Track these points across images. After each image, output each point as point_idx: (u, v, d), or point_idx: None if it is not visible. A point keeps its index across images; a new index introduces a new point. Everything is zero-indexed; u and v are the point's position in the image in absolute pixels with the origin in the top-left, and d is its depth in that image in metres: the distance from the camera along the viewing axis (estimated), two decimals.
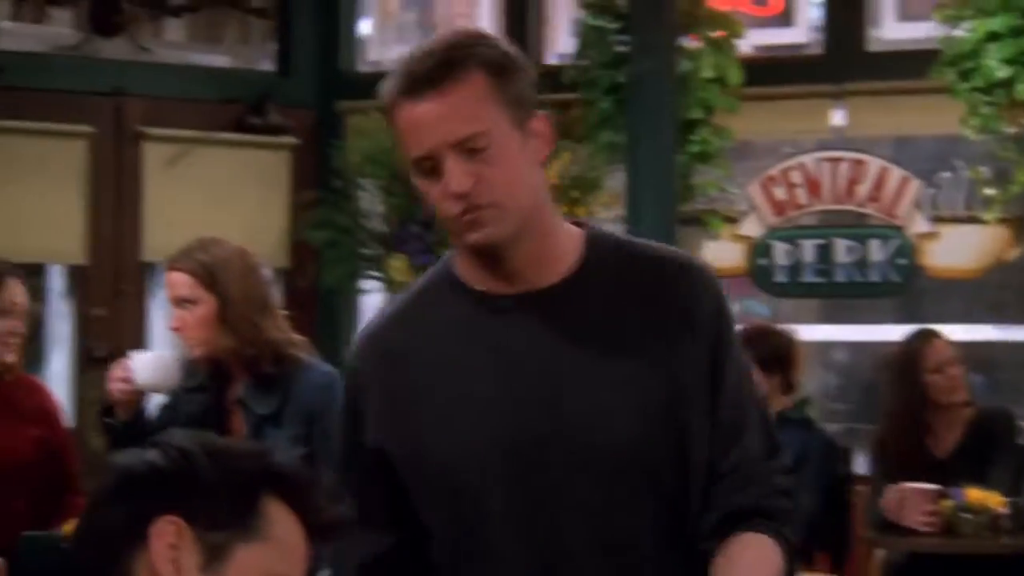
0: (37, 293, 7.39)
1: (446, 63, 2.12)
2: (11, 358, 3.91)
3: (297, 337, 3.78)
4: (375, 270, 7.15)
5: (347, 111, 7.57)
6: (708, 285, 2.25)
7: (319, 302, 7.50)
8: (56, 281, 7.49)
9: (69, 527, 3.62)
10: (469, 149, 2.11)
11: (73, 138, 7.28)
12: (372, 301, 7.75)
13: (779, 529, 2.23)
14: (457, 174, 2.10)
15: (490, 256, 2.18)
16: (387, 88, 2.16)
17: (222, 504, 1.62)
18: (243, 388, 3.71)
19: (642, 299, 2.21)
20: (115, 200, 7.34)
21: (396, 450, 2.22)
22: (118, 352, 7.02)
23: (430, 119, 2.11)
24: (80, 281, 7.32)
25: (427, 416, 2.19)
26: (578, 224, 2.28)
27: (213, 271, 3.70)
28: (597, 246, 2.24)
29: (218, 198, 7.42)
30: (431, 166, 2.13)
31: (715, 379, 2.22)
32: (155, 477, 1.62)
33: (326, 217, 7.20)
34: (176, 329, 3.73)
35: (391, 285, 6.96)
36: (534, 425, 2.16)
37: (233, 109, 7.62)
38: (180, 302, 3.72)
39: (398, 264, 6.82)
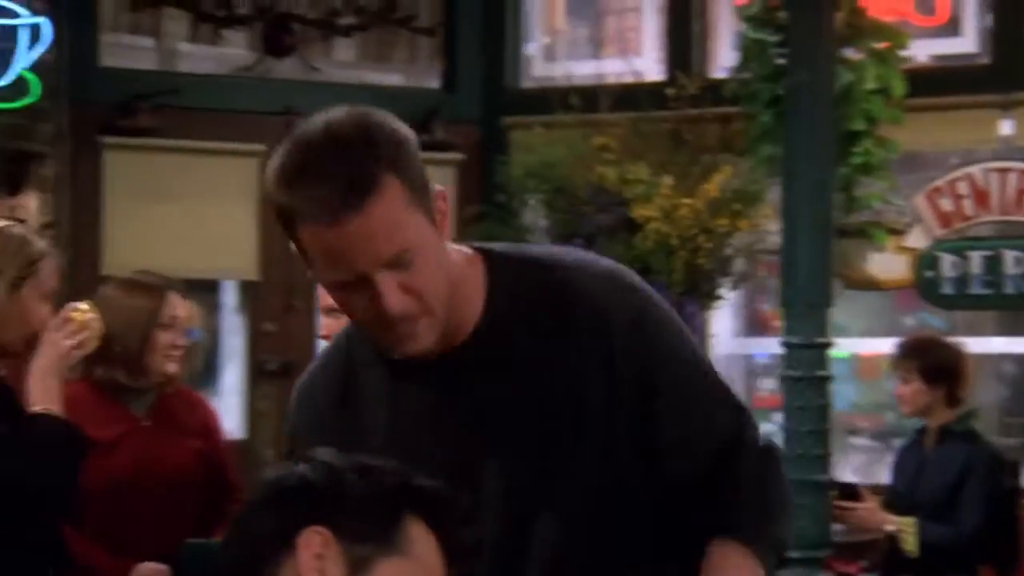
0: (211, 308, 7.59)
1: (358, 179, 1.93)
2: (173, 369, 4.03)
3: None
4: None
5: (512, 127, 7.65)
6: (614, 291, 2.12)
7: None
8: (229, 297, 7.68)
9: None
10: (400, 264, 1.98)
11: (245, 157, 7.46)
12: None
13: (756, 532, 2.12)
14: (393, 295, 1.97)
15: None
16: (285, 189, 1.96)
17: (367, 519, 1.67)
18: None
19: (553, 329, 2.09)
20: None
21: None
22: (288, 365, 7.22)
23: (353, 243, 1.95)
24: (252, 296, 7.49)
25: None
26: (475, 249, 2.14)
27: None
28: (499, 277, 2.11)
29: None
30: (354, 285, 1.99)
31: (649, 394, 2.09)
32: (305, 489, 1.68)
33: (490, 232, 7.27)
34: (325, 337, 3.84)
35: None
36: (460, 477, 2.00)
37: None
38: (329, 311, 3.84)
39: None
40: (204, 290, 7.56)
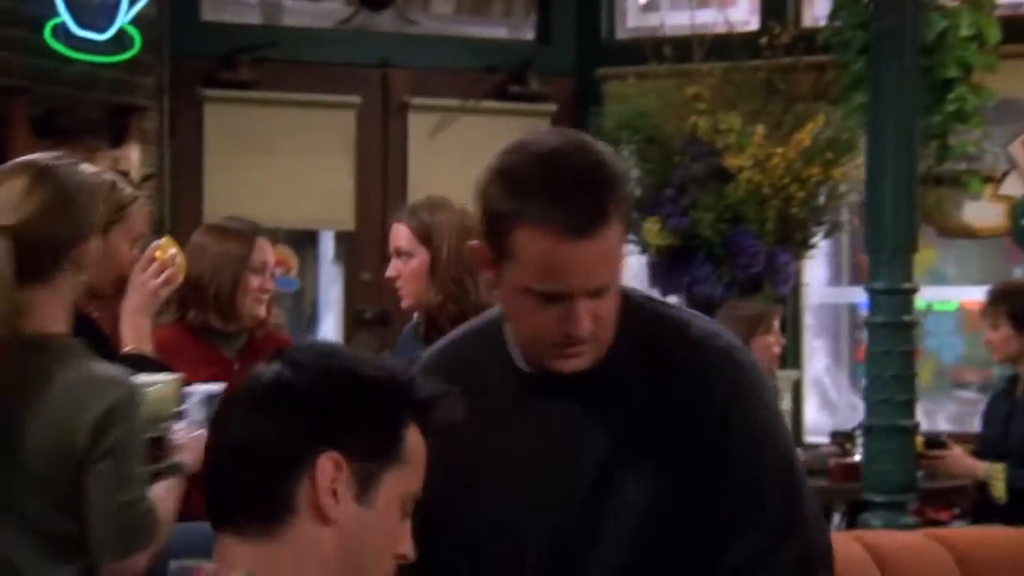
0: (309, 259, 7.72)
1: (601, 205, 2.06)
2: (262, 313, 4.13)
3: None
4: (631, 233, 7.25)
5: (605, 78, 7.68)
6: (721, 369, 2.21)
7: None
8: (327, 247, 7.79)
9: None
10: (599, 293, 2.10)
11: (343, 109, 7.56)
12: (630, 264, 7.87)
13: None
14: (586, 320, 2.10)
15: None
16: (515, 194, 2.07)
17: (373, 437, 1.75)
18: None
19: (661, 383, 2.20)
20: (382, 168, 7.60)
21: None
22: (385, 314, 7.32)
23: (579, 264, 2.06)
24: (350, 247, 7.60)
25: (457, 470, 2.17)
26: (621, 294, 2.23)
27: (431, 229, 3.92)
28: (632, 322, 2.21)
29: (480, 165, 7.56)
30: (552, 299, 2.09)
31: (719, 465, 2.18)
32: (308, 406, 1.73)
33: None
34: (390, 278, 3.95)
35: (647, 248, 7.05)
36: (534, 500, 2.21)
37: (495, 78, 7.80)
38: (398, 253, 3.97)
39: (653, 227, 6.90)
40: (302, 241, 7.70)
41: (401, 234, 4.00)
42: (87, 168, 2.91)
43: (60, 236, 2.79)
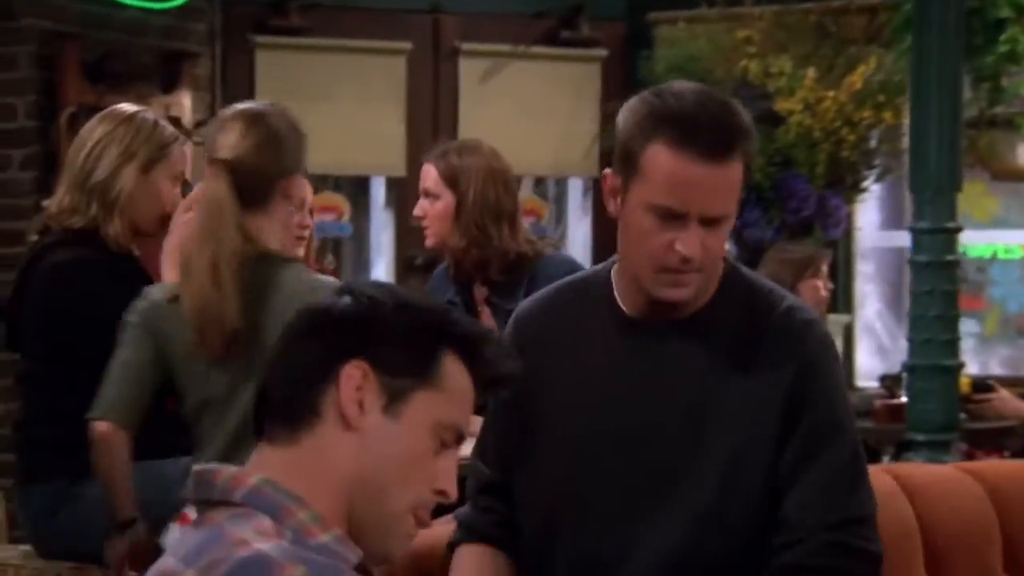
0: (360, 205, 7.76)
1: (732, 138, 2.24)
2: (301, 251, 4.15)
3: (542, 241, 3.99)
4: None
5: (656, 22, 7.65)
6: (801, 342, 2.35)
7: None
8: (378, 193, 7.82)
9: None
10: (713, 223, 2.26)
11: (393, 55, 7.57)
12: None
13: None
14: (696, 242, 2.24)
15: (659, 303, 2.32)
16: (653, 116, 2.25)
17: (406, 353, 1.76)
18: (488, 287, 3.94)
19: (744, 347, 2.34)
20: (432, 114, 7.62)
21: (515, 422, 2.42)
22: (434, 260, 7.34)
23: (704, 186, 2.22)
24: (401, 192, 7.62)
25: (548, 406, 2.36)
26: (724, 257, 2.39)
27: (458, 172, 3.95)
28: (730, 284, 2.38)
29: (530, 110, 7.62)
30: (669, 215, 2.24)
31: (785, 431, 2.32)
32: (348, 322, 1.77)
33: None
34: (417, 217, 3.99)
35: None
36: (624, 439, 2.35)
37: (545, 23, 7.79)
38: (426, 193, 4.00)
39: None
40: (354, 187, 7.74)
41: (429, 175, 4.04)
42: (290, 115, 3.43)
43: (270, 169, 3.30)
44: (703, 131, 2.21)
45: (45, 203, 3.75)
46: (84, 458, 3.50)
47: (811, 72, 6.86)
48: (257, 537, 1.64)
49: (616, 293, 2.39)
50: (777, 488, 2.34)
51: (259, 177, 3.30)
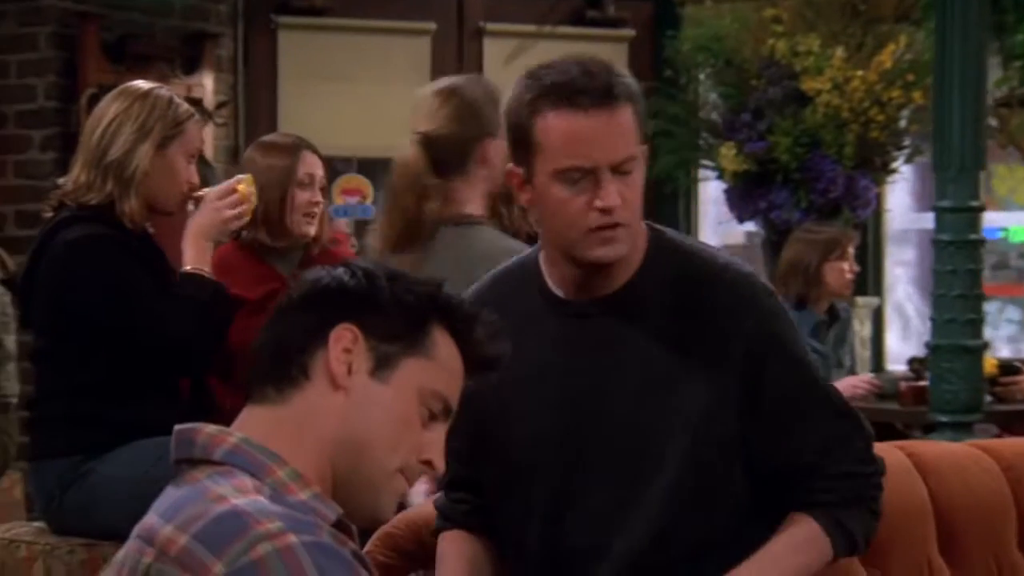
0: (384, 186, 7.72)
1: (609, 84, 2.25)
2: (312, 230, 4.12)
3: None
4: (707, 159, 7.19)
5: (683, 1, 7.60)
6: (747, 296, 2.35)
7: (655, 192, 7.59)
8: None
9: None
10: (622, 171, 2.26)
11: (417, 35, 7.54)
12: (707, 191, 7.82)
13: (833, 516, 2.37)
14: (612, 191, 2.25)
15: (595, 269, 2.32)
16: (533, 93, 2.27)
17: (396, 320, 1.81)
18: None
19: (687, 312, 2.34)
20: None
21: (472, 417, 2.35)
22: None
23: (599, 135, 2.24)
24: None
25: (501, 398, 2.32)
26: (646, 224, 2.40)
27: None
28: (658, 252, 2.37)
29: None
30: (578, 177, 2.26)
31: (755, 390, 2.32)
32: (340, 291, 1.82)
33: (659, 107, 7.26)
34: None
35: (723, 174, 6.98)
36: (579, 423, 2.34)
37: (571, 3, 7.76)
38: None
39: (729, 152, 6.83)
40: (377, 168, 7.70)
41: None
42: (485, 82, 3.62)
43: (466, 137, 3.48)
44: (582, 85, 2.24)
45: (60, 180, 3.73)
46: (96, 435, 3.50)
47: (840, 51, 6.80)
48: (235, 493, 1.67)
49: (546, 278, 2.39)
50: (748, 450, 2.35)
51: (454, 145, 3.49)
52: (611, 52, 7.78)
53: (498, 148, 3.44)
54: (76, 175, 3.64)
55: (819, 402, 2.38)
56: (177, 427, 1.78)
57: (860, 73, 6.76)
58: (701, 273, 2.36)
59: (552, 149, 2.26)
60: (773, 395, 2.34)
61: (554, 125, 2.25)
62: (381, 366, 1.79)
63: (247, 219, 3.74)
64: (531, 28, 7.66)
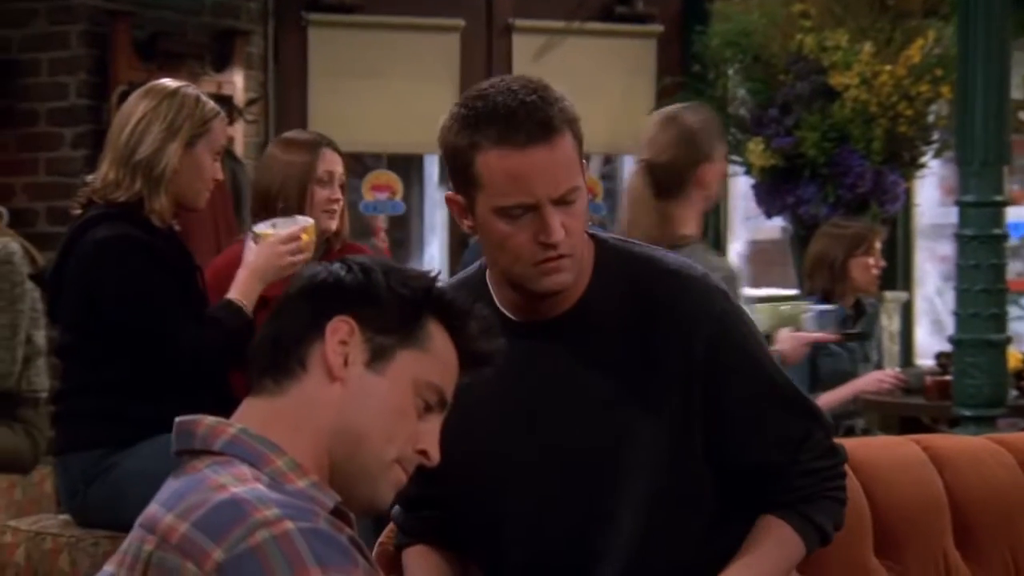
0: (414, 182, 7.76)
1: (548, 117, 2.22)
2: (333, 225, 4.15)
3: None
4: (736, 154, 7.19)
5: None
6: (703, 300, 2.35)
7: None
8: (431, 171, 7.82)
9: None
10: (565, 201, 2.24)
11: (446, 32, 7.56)
12: (736, 186, 7.81)
13: (803, 514, 2.38)
14: (555, 225, 2.23)
15: (543, 296, 2.31)
16: (471, 127, 2.23)
17: (391, 313, 1.84)
18: None
19: (642, 322, 2.33)
20: None
21: None
22: None
23: (539, 170, 2.21)
24: None
25: (459, 424, 2.21)
26: (588, 234, 2.37)
27: None
28: (605, 261, 2.37)
29: (585, 87, 7.54)
30: (520, 213, 2.23)
31: (717, 394, 2.32)
32: (336, 284, 1.85)
33: (686, 102, 7.27)
34: None
35: (751, 169, 6.99)
36: (546, 440, 2.33)
37: None
38: None
39: (756, 148, 6.84)
40: (407, 165, 7.74)
41: None
42: (703, 110, 3.97)
43: (683, 162, 3.77)
44: (519, 119, 2.20)
45: (89, 178, 3.77)
46: (120, 429, 3.55)
47: (868, 46, 6.79)
48: (235, 482, 1.71)
49: (495, 299, 2.36)
50: (714, 454, 2.35)
51: (674, 170, 3.78)
52: (639, 48, 7.80)
53: (714, 171, 3.85)
54: (104, 172, 3.68)
55: (779, 402, 2.38)
56: (178, 419, 1.82)
57: (888, 68, 6.76)
58: (653, 280, 2.36)
59: (493, 186, 2.23)
60: (735, 397, 2.34)
61: (494, 163, 2.22)
62: (377, 358, 1.82)
63: (301, 267, 3.77)
64: (560, 24, 7.67)
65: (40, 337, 4.81)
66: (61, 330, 3.80)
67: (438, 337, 1.87)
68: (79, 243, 3.65)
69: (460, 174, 2.26)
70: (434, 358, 1.86)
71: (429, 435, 1.86)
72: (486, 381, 2.22)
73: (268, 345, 1.84)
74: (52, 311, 3.81)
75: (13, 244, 4.71)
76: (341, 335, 1.81)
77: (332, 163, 4.17)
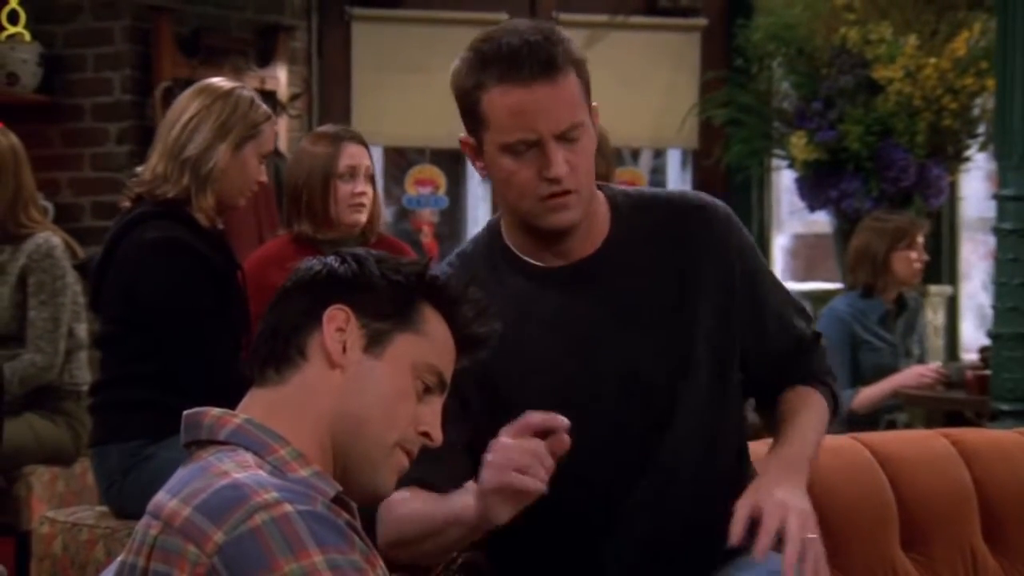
0: (457, 178, 7.77)
1: (551, 55, 2.27)
2: (360, 220, 4.16)
3: None
4: (779, 148, 7.17)
5: None
6: (725, 222, 2.45)
7: (728, 182, 7.60)
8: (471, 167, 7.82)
9: None
10: (568, 139, 2.29)
11: (489, 26, 7.55)
12: (781, 180, 7.79)
13: (827, 384, 2.57)
14: (559, 160, 2.28)
15: (556, 236, 2.36)
16: (477, 68, 2.31)
17: (385, 298, 1.89)
18: None
19: (674, 250, 2.41)
20: None
21: (473, 395, 2.35)
22: None
23: (541, 106, 2.27)
24: None
25: (499, 373, 2.34)
26: (596, 185, 2.43)
27: None
28: (618, 205, 2.44)
29: (628, 81, 7.58)
30: (524, 149, 2.29)
31: (751, 303, 2.46)
32: (330, 274, 1.90)
33: (730, 96, 7.26)
34: None
35: (794, 163, 6.97)
36: (590, 376, 2.38)
37: None
38: None
39: (799, 141, 6.82)
40: (450, 159, 7.75)
41: None
42: None
43: None
44: (522, 57, 2.27)
45: (138, 169, 3.81)
46: (156, 420, 3.58)
47: (912, 39, 6.76)
48: (237, 468, 1.76)
49: (515, 250, 2.42)
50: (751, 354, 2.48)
51: None
52: (683, 41, 7.79)
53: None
54: (153, 165, 3.72)
55: (787, 300, 2.55)
56: (186, 412, 1.86)
57: (933, 61, 6.72)
58: (676, 215, 2.43)
59: (497, 123, 2.29)
60: (764, 303, 2.49)
61: (498, 100, 2.28)
62: (374, 343, 1.86)
63: None
64: (603, 18, 7.67)
65: (82, 330, 4.85)
66: (102, 322, 3.84)
67: (433, 320, 1.91)
68: (126, 239, 3.68)
69: (468, 115, 2.33)
70: (431, 341, 1.90)
71: (430, 416, 1.90)
72: (532, 336, 2.35)
73: (268, 336, 1.88)
74: (94, 303, 3.85)
75: (54, 238, 4.75)
76: (338, 323, 1.86)
77: (354, 157, 4.17)
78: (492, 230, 2.46)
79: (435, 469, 2.25)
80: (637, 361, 2.39)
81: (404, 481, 2.11)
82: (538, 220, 2.34)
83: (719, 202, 2.49)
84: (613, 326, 2.39)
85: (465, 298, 1.94)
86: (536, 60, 2.26)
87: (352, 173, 4.15)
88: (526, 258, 2.41)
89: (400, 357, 1.87)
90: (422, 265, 1.93)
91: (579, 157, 2.31)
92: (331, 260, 1.91)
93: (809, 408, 2.50)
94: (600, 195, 2.43)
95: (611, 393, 2.38)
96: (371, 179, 4.20)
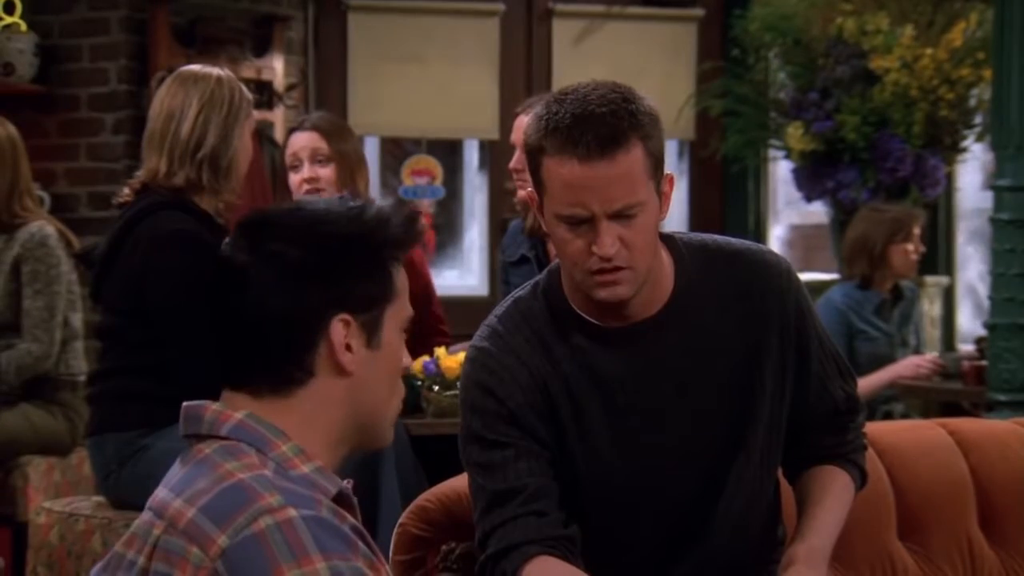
0: (454, 168, 7.77)
1: (614, 130, 2.22)
2: None
3: None
4: (775, 138, 7.17)
5: None
6: (785, 279, 2.42)
7: (724, 172, 7.60)
8: (471, 156, 7.82)
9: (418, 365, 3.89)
10: (624, 216, 2.25)
11: (486, 17, 7.56)
12: (778, 170, 7.79)
13: (855, 463, 2.54)
14: (609, 240, 2.24)
15: (610, 305, 2.32)
16: (542, 131, 2.25)
17: (372, 288, 1.85)
18: None
19: (735, 305, 2.39)
20: (526, 76, 7.60)
21: (542, 433, 2.37)
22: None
23: (597, 184, 2.23)
24: (494, 155, 7.62)
25: (566, 423, 2.36)
26: (662, 238, 2.40)
27: None
28: (684, 260, 2.40)
29: (625, 72, 7.51)
30: (578, 223, 2.26)
31: (805, 364, 2.45)
32: (322, 281, 1.82)
33: (727, 87, 7.26)
34: (512, 168, 4.17)
35: (791, 153, 6.97)
36: (649, 444, 2.37)
37: None
38: (517, 172, 4.03)
39: (796, 132, 6.81)
40: (447, 150, 7.75)
41: (521, 126, 4.02)
42: None
43: None
44: (582, 133, 2.22)
45: (137, 174, 3.77)
46: (153, 411, 3.57)
47: (909, 29, 6.75)
48: (241, 469, 1.74)
49: (573, 306, 2.38)
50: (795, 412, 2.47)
51: None
52: (680, 32, 7.78)
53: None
54: (155, 166, 3.68)
55: (835, 361, 2.50)
56: (185, 404, 1.84)
57: (929, 51, 6.72)
58: (735, 268, 2.41)
59: (553, 192, 2.26)
60: (809, 369, 2.45)
61: (555, 170, 2.25)
62: (372, 333, 1.84)
63: None
64: (600, 9, 7.66)
65: (77, 320, 4.84)
66: (104, 312, 3.82)
67: (398, 272, 1.88)
68: (136, 229, 3.65)
69: (533, 174, 2.30)
70: (403, 294, 1.88)
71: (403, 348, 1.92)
72: (598, 402, 2.34)
73: (268, 352, 1.82)
74: (96, 292, 3.82)
75: (48, 227, 4.75)
76: (340, 336, 1.81)
77: (295, 144, 4.18)
78: (553, 282, 2.41)
79: (548, 520, 2.31)
80: (696, 426, 2.38)
81: (533, 548, 2.27)
82: (589, 291, 2.31)
83: (782, 258, 2.47)
84: (673, 391, 2.37)
85: (410, 228, 1.88)
86: (596, 135, 2.21)
87: (296, 161, 4.15)
88: (585, 315, 2.37)
89: (392, 332, 1.87)
90: (379, 225, 1.84)
91: (635, 234, 2.26)
92: (312, 255, 1.80)
93: (835, 496, 2.47)
94: (663, 252, 2.38)
95: (671, 456, 2.38)
96: (328, 159, 4.14)
